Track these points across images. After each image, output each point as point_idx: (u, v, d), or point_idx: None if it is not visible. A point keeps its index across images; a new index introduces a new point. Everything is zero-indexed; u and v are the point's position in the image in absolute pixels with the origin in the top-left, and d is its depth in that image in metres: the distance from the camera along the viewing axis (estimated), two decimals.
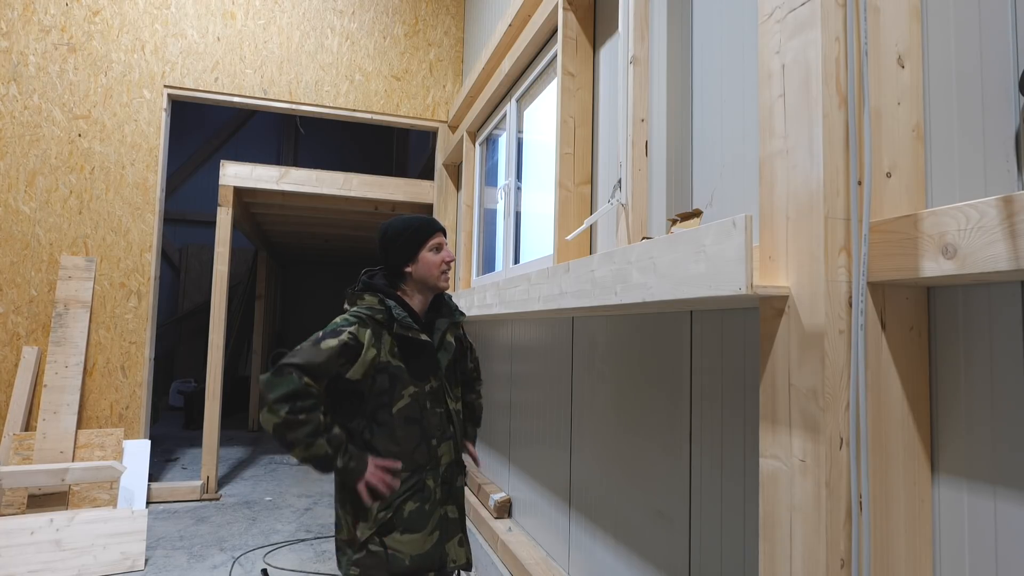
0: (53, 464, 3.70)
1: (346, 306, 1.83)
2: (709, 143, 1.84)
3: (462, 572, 1.95)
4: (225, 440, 6.77)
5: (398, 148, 9.50)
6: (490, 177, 4.52)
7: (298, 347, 1.64)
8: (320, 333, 1.67)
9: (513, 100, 3.76)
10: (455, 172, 5.30)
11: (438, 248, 1.85)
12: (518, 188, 3.75)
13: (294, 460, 5.85)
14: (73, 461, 3.91)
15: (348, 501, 1.74)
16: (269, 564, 3.35)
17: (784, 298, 1.22)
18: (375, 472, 1.66)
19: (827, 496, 1.11)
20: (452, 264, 1.89)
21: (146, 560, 3.38)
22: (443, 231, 1.89)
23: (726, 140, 1.75)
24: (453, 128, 5.20)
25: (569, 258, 2.55)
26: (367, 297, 1.77)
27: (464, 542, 1.88)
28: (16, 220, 4.22)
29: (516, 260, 3.77)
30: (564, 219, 2.58)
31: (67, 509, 3.68)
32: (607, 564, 2.27)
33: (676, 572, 1.86)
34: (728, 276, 1.18)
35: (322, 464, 1.61)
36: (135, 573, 3.23)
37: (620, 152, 2.09)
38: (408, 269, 1.82)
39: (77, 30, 4.43)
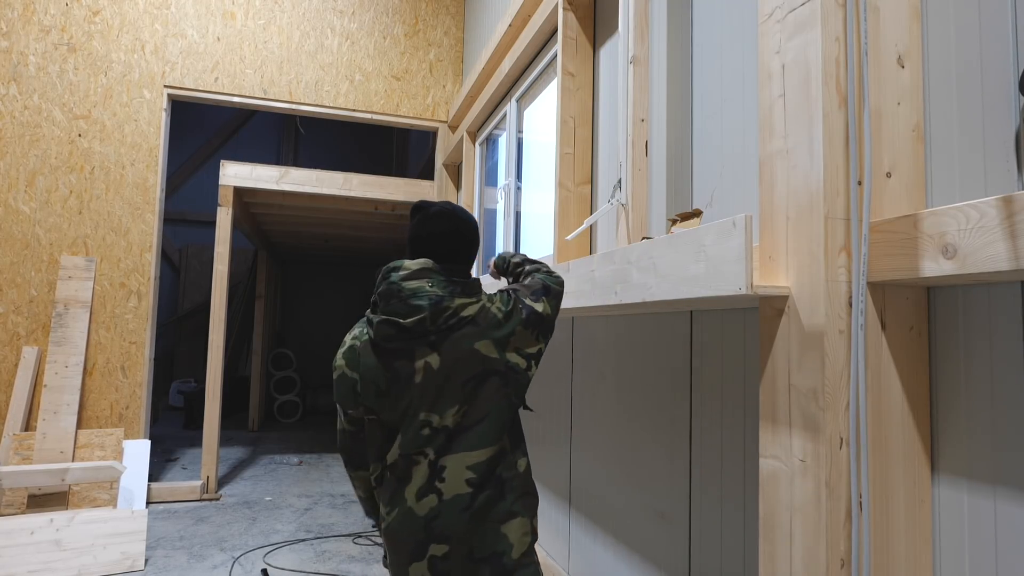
0: (53, 464, 3.69)
1: (444, 298, 1.42)
2: (709, 143, 1.84)
3: None
4: (225, 440, 6.77)
5: (398, 148, 9.49)
6: (490, 177, 4.52)
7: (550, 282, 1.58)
8: (518, 301, 1.52)
9: (513, 100, 3.76)
10: (455, 172, 5.30)
11: None
12: (518, 188, 3.75)
13: (294, 461, 5.85)
14: (73, 461, 3.91)
15: (521, 508, 1.47)
16: (269, 564, 3.35)
17: (784, 298, 1.22)
18: None
19: (827, 496, 1.11)
20: None
21: (146, 560, 3.38)
22: None
23: (726, 140, 1.75)
24: (453, 128, 5.20)
25: (569, 258, 2.55)
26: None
27: None
28: (16, 220, 4.22)
29: None
30: (564, 219, 2.58)
31: (67, 509, 3.68)
32: (607, 564, 2.27)
33: (676, 572, 1.86)
34: (728, 276, 1.18)
35: None
36: (135, 573, 3.23)
37: (620, 152, 2.09)
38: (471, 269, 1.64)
39: (77, 30, 4.43)
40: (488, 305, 1.47)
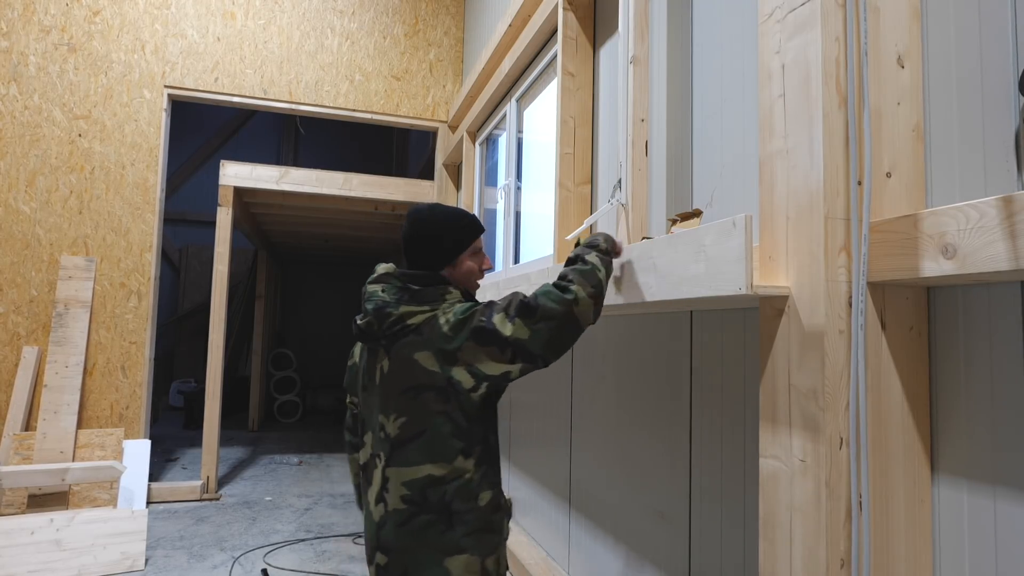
0: (53, 464, 3.69)
1: (389, 304, 1.41)
2: (709, 143, 1.84)
3: None
4: (225, 440, 6.76)
5: (398, 148, 9.49)
6: (490, 177, 4.52)
7: (519, 303, 1.35)
8: (480, 312, 1.38)
9: (513, 100, 3.76)
10: (455, 172, 5.29)
11: (477, 252, 1.60)
12: (518, 188, 3.75)
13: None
14: (73, 461, 3.91)
15: (472, 544, 1.38)
16: (269, 564, 3.35)
17: (784, 298, 1.22)
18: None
19: (827, 496, 1.11)
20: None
21: (146, 560, 3.38)
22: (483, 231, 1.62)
23: (726, 140, 1.75)
24: (453, 128, 5.20)
25: None
26: (453, 291, 1.47)
27: None
28: (16, 220, 4.22)
29: (516, 260, 3.77)
30: (564, 219, 2.58)
31: (67, 509, 3.68)
32: (607, 564, 2.27)
33: (676, 572, 1.86)
34: (728, 276, 1.18)
35: (602, 286, 1.42)
36: (135, 573, 3.23)
37: (620, 152, 2.09)
38: (444, 273, 1.52)
39: (77, 30, 4.43)
40: (439, 316, 1.38)
